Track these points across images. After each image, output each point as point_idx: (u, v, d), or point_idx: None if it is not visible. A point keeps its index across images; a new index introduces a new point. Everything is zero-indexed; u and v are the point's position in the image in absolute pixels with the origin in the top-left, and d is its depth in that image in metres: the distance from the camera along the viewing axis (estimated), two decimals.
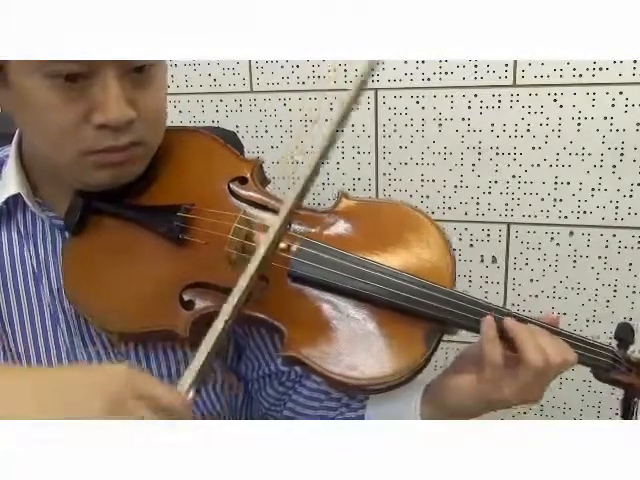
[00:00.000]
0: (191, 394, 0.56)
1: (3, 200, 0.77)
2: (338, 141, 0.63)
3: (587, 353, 0.72)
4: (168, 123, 0.80)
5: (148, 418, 0.53)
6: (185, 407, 0.55)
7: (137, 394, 0.53)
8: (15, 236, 0.78)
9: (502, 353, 0.67)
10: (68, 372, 0.58)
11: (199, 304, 0.72)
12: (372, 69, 0.64)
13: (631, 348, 0.77)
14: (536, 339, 0.67)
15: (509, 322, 0.68)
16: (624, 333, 0.76)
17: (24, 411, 0.51)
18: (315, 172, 0.63)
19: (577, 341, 0.71)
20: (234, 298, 0.58)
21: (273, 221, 0.63)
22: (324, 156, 0.63)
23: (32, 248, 0.78)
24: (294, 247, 0.72)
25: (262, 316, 0.70)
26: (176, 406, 0.54)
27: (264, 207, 0.77)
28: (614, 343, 0.76)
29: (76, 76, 0.66)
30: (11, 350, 0.77)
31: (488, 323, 0.68)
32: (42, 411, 0.51)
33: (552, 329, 0.70)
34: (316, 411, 0.83)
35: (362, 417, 0.78)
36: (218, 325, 0.57)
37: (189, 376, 0.56)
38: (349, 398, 0.81)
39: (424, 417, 0.73)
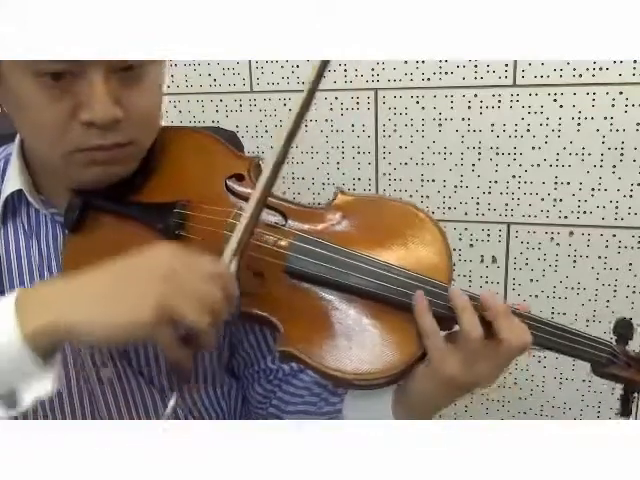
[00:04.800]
0: (233, 265, 0.63)
1: (6, 195, 0.78)
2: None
3: (585, 347, 0.71)
4: (168, 123, 0.80)
5: (198, 287, 0.58)
6: (230, 274, 0.62)
7: (184, 263, 0.59)
8: (20, 231, 0.80)
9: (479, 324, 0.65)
10: (114, 269, 0.60)
11: None
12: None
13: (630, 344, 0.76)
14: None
15: (453, 290, 0.67)
16: (623, 328, 0.76)
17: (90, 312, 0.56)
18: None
19: (575, 336, 0.71)
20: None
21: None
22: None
23: (35, 243, 0.79)
24: (290, 242, 0.72)
25: (258, 312, 0.70)
26: (222, 272, 0.61)
27: None
28: (613, 338, 0.76)
29: (63, 74, 0.67)
30: None
31: (456, 294, 0.66)
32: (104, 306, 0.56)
33: (552, 324, 0.70)
34: (297, 406, 0.83)
35: (340, 411, 0.78)
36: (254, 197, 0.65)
37: (230, 248, 0.63)
38: (328, 393, 0.81)
39: (395, 409, 0.72)
